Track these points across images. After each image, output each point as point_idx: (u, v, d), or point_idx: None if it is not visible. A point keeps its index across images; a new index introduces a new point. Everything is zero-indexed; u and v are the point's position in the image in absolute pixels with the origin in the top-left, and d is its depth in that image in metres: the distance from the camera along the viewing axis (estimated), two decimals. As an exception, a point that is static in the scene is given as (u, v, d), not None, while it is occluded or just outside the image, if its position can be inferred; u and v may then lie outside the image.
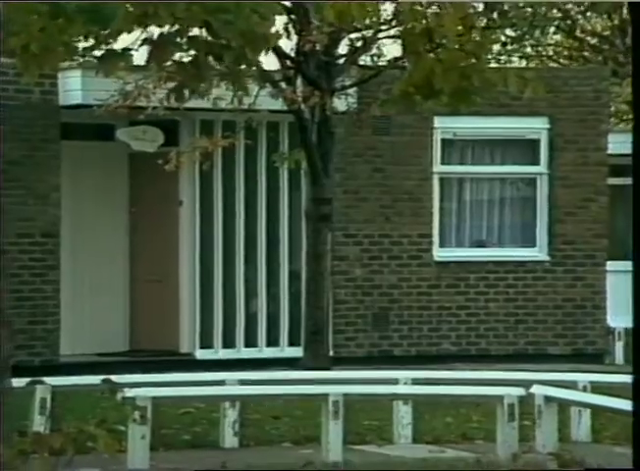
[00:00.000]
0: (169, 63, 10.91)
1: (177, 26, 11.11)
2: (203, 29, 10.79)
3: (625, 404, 11.58)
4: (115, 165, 20.47)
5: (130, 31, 11.07)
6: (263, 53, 12.55)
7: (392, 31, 19.29)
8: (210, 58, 10.77)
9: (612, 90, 25.78)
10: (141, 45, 11.14)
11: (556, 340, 22.01)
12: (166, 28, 10.95)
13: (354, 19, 16.82)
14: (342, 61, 19.69)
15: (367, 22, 17.90)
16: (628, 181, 13.99)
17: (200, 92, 14.73)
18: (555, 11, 29.00)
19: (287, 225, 20.69)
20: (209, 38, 10.88)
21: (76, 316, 19.73)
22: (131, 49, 11.68)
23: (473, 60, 13.73)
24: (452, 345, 21.04)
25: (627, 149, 13.79)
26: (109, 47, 13.30)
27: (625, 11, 24.96)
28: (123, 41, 13.00)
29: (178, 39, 11.75)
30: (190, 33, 11.21)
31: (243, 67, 13.45)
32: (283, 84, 18.81)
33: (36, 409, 13.16)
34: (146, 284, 20.80)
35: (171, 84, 11.07)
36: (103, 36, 11.68)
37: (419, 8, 15.15)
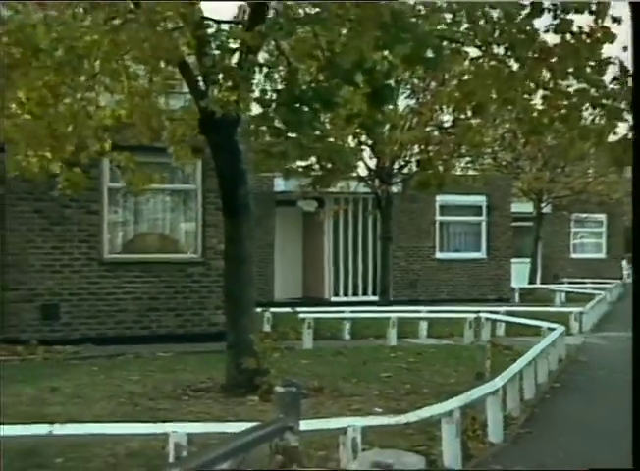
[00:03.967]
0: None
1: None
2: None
3: (515, 318, 21.55)
4: (297, 217, 31.24)
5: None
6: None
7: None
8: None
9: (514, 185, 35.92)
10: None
11: (489, 293, 32.43)
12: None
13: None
14: (395, 170, 29.06)
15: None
16: (519, 223, 29.48)
17: (333, 185, 28.34)
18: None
19: (371, 244, 31.19)
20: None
21: (281, 282, 29.90)
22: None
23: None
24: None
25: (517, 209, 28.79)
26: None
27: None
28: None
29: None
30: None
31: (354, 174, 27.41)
32: (369, 182, 28.80)
33: (265, 322, 19.97)
34: (313, 267, 31.11)
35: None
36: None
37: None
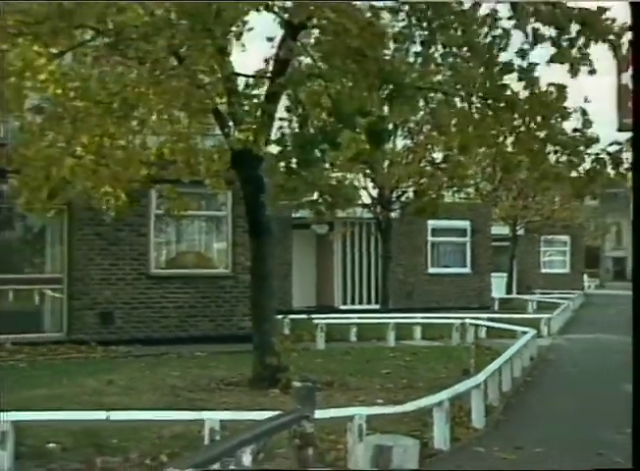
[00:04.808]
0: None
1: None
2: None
3: (495, 324, 21.45)
4: (311, 238, 30.74)
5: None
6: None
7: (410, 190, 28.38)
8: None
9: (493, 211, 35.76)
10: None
11: (472, 302, 31.75)
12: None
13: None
14: (394, 198, 28.76)
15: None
16: (498, 243, 29.63)
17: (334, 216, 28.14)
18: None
19: (373, 260, 30.89)
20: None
21: (298, 293, 29.28)
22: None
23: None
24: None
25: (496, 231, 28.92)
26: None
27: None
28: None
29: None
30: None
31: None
32: (372, 208, 28.73)
33: (285, 327, 20.61)
34: (324, 280, 30.72)
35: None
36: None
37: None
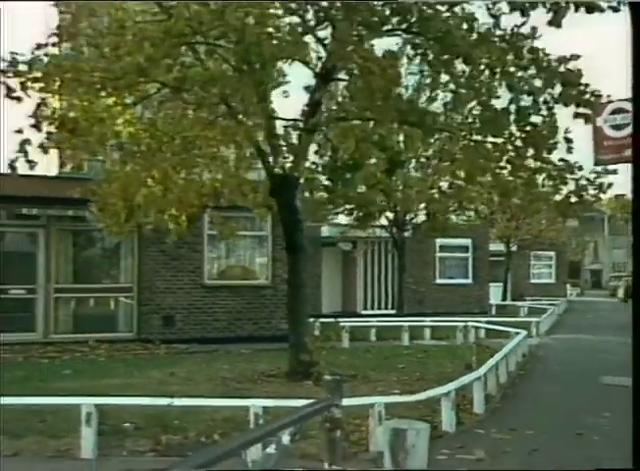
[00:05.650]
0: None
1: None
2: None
3: (492, 326, 20.34)
4: (337, 254, 30.15)
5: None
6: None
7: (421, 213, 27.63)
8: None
9: (491, 231, 35.45)
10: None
11: (474, 308, 30.40)
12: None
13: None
14: (407, 220, 28.35)
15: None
16: (495, 258, 29.30)
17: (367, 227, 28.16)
18: None
19: (390, 273, 30.11)
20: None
21: (326, 300, 28.62)
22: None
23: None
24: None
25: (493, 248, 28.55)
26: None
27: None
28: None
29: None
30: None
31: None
32: (389, 229, 28.20)
33: (316, 329, 20.25)
34: (349, 289, 30.18)
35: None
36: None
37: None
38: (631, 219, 3.94)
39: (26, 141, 10.77)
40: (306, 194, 14.16)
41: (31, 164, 10.79)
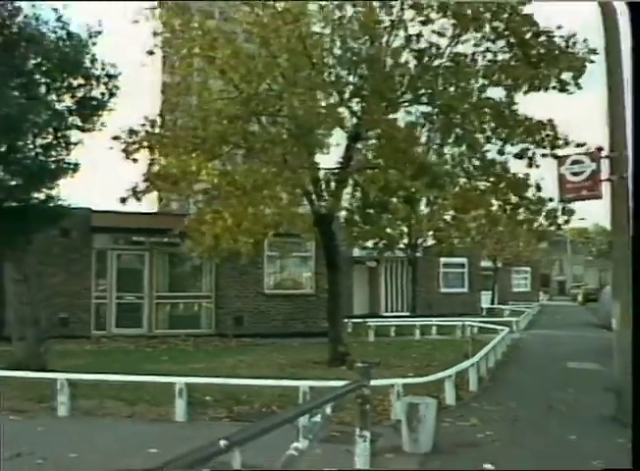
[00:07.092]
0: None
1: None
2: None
3: (483, 324, 20.24)
4: (365, 270, 28.80)
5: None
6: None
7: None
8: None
9: (482, 252, 34.26)
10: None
11: (469, 311, 29.09)
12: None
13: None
14: (418, 244, 27.79)
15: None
16: (485, 272, 28.95)
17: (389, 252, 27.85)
18: None
19: (405, 284, 29.45)
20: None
21: (357, 305, 27.53)
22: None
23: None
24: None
25: (484, 264, 28.06)
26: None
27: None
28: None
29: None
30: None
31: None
32: (405, 250, 26.77)
33: (349, 327, 18.98)
34: (374, 296, 28.80)
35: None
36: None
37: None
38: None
39: (135, 188, 11.29)
40: (342, 224, 13.95)
41: (139, 200, 11.34)
